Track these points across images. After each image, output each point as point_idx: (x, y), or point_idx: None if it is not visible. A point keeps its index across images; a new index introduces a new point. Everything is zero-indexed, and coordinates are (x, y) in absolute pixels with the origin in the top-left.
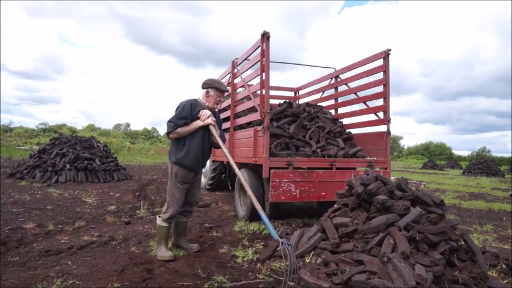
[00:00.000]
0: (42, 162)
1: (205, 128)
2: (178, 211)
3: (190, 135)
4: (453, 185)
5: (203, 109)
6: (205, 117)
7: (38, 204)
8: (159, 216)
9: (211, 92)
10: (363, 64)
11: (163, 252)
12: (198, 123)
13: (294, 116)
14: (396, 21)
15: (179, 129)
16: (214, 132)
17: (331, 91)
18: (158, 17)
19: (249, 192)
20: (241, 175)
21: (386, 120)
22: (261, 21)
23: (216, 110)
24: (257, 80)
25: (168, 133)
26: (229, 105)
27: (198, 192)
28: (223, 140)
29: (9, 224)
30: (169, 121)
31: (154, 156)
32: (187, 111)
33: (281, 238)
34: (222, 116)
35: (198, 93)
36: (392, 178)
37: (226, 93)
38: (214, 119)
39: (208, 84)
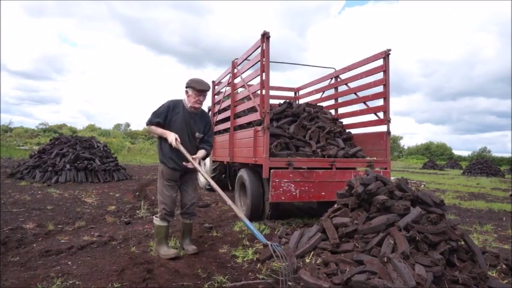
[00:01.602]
0: (42, 162)
1: (188, 130)
2: (172, 208)
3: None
4: (453, 185)
5: (185, 110)
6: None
7: (38, 204)
8: (156, 217)
9: (190, 91)
10: (363, 64)
11: (166, 251)
12: (164, 133)
13: (294, 116)
14: (397, 21)
15: (152, 127)
16: (183, 150)
17: (331, 91)
18: (158, 16)
19: (228, 202)
20: (214, 183)
21: (386, 120)
22: (262, 21)
23: (210, 110)
24: (257, 80)
25: (146, 124)
26: (229, 105)
27: (193, 191)
28: (210, 144)
29: (9, 224)
30: (150, 117)
31: (154, 156)
32: (164, 111)
33: (270, 241)
34: (222, 116)
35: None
36: (392, 178)
37: (206, 92)
38: (179, 140)
39: (187, 84)
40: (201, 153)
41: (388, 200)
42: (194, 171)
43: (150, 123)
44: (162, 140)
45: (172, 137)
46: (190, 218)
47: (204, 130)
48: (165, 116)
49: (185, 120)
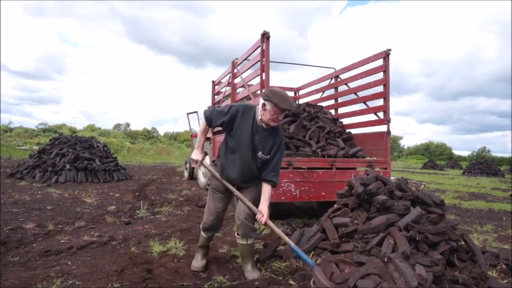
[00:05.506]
0: (42, 162)
1: (250, 147)
2: (212, 222)
3: (230, 149)
4: (453, 185)
5: (254, 121)
6: (194, 162)
7: (38, 204)
8: None
9: (269, 106)
10: (363, 64)
11: (196, 262)
12: (197, 144)
13: (294, 116)
14: (398, 21)
15: (203, 127)
16: (226, 183)
17: (331, 91)
18: (159, 16)
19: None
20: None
21: (386, 120)
22: (263, 20)
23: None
24: (257, 80)
25: (204, 115)
26: None
27: (244, 206)
28: (275, 177)
29: (9, 224)
30: (211, 109)
31: (154, 156)
32: (229, 115)
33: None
34: None
35: (199, 93)
36: (392, 178)
37: (286, 112)
38: (200, 161)
39: (267, 96)
40: (266, 196)
41: (388, 200)
42: (253, 184)
43: (208, 121)
44: (226, 142)
45: (195, 157)
46: (246, 239)
47: (271, 151)
48: (229, 120)
49: (252, 133)
